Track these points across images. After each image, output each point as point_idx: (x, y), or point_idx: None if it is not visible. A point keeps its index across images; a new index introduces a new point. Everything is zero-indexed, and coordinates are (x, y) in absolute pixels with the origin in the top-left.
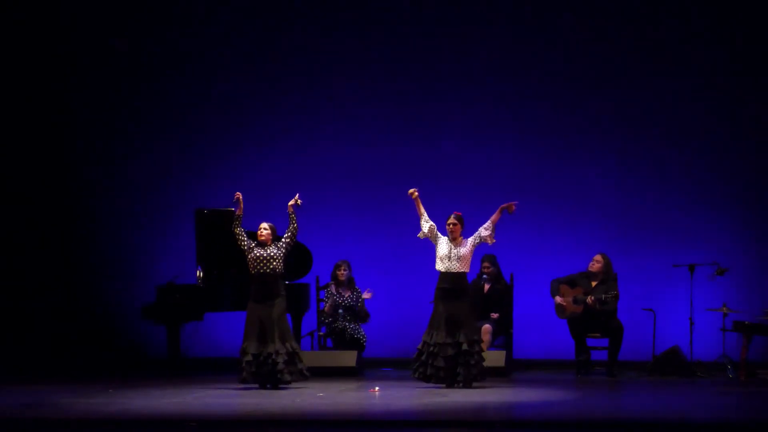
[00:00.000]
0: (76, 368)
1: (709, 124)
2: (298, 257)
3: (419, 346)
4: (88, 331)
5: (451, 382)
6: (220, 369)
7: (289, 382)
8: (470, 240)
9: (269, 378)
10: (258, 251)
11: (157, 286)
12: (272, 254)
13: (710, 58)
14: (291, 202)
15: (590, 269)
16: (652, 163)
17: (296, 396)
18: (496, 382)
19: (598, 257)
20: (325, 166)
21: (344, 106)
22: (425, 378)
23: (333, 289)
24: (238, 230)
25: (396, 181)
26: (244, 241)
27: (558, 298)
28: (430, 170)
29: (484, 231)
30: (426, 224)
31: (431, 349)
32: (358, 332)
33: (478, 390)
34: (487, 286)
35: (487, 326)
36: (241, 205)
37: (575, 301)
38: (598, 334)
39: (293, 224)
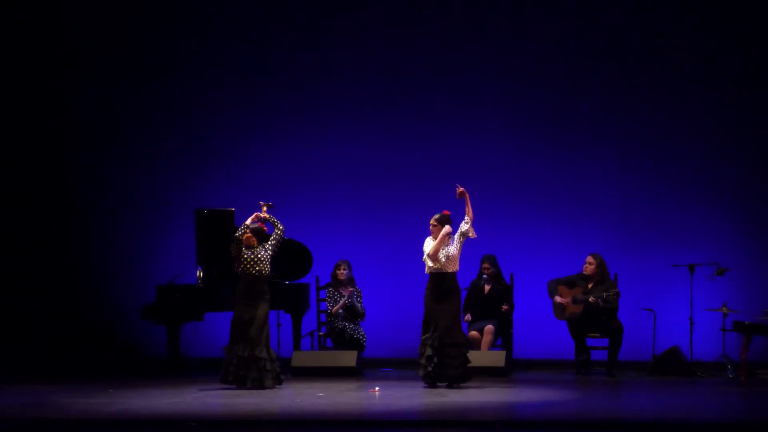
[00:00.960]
0: (76, 368)
1: (710, 124)
2: (298, 257)
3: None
4: (88, 331)
5: (432, 382)
6: (220, 369)
7: (270, 387)
8: (456, 237)
9: (246, 380)
10: (246, 253)
11: (157, 286)
12: (260, 257)
13: (710, 58)
14: (261, 215)
15: (585, 272)
16: (653, 163)
17: (296, 396)
18: (496, 382)
19: (590, 259)
20: (325, 167)
21: (345, 107)
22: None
23: (342, 291)
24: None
25: (396, 181)
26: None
27: (557, 298)
28: (430, 171)
29: (464, 225)
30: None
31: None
32: (358, 332)
33: (478, 390)
34: (487, 287)
35: (489, 327)
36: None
37: (574, 301)
38: (598, 334)
39: (277, 226)
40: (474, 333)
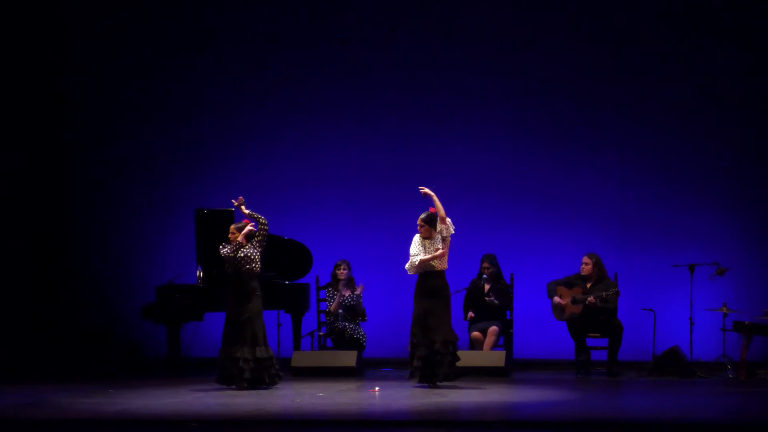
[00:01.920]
0: (76, 368)
1: (710, 123)
2: (298, 257)
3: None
4: (88, 331)
5: (431, 381)
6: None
7: (270, 385)
8: (438, 236)
9: (237, 380)
10: (228, 252)
11: (157, 286)
12: (248, 254)
13: (710, 58)
14: (237, 203)
15: (582, 272)
16: (652, 163)
17: (296, 396)
18: (496, 382)
19: (586, 259)
20: (325, 167)
21: (345, 107)
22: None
23: (342, 290)
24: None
25: (396, 181)
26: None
27: (556, 299)
28: (430, 171)
29: (439, 224)
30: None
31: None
32: (358, 332)
33: (478, 390)
34: (487, 286)
35: (494, 328)
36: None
37: (574, 301)
38: (598, 334)
39: (260, 220)
40: (476, 333)
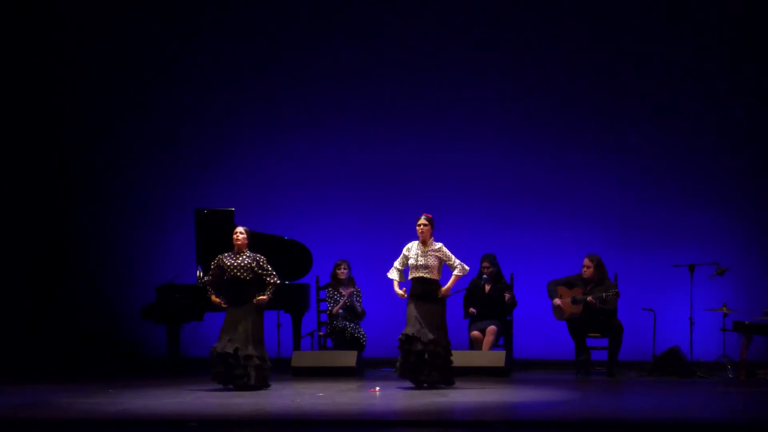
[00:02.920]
0: (76, 368)
1: (709, 123)
2: (298, 257)
3: (398, 346)
4: (88, 331)
5: (417, 382)
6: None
7: (254, 388)
8: (442, 254)
9: (233, 380)
10: (228, 260)
11: (157, 286)
12: (244, 264)
13: (711, 58)
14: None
15: (584, 275)
16: (653, 163)
17: (296, 396)
18: (496, 382)
19: (587, 262)
20: (325, 167)
21: (345, 108)
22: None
23: (342, 290)
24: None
25: (396, 181)
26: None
27: (556, 300)
28: (430, 171)
29: (457, 266)
30: (398, 276)
31: (409, 347)
32: (358, 332)
33: (478, 390)
34: (488, 287)
35: (492, 327)
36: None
37: (574, 301)
38: (598, 334)
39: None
40: (476, 333)
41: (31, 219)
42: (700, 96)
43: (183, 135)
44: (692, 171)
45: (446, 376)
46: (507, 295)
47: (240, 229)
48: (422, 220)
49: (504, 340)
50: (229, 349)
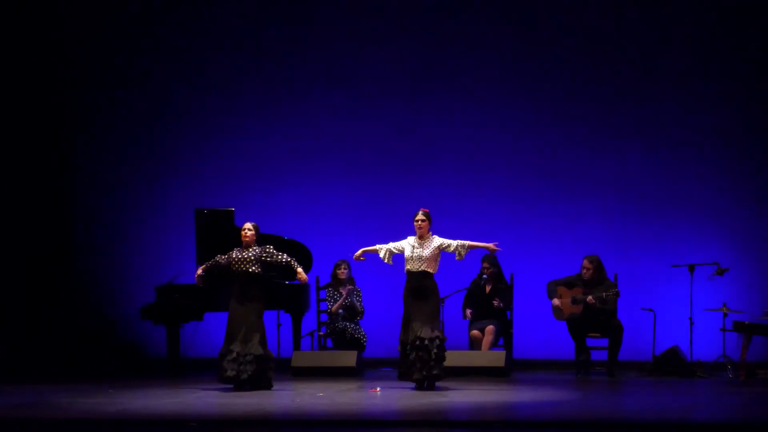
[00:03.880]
0: (76, 368)
1: (709, 123)
2: (298, 257)
3: (399, 347)
4: (88, 331)
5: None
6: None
7: (259, 387)
8: (438, 242)
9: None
10: (237, 254)
11: (157, 286)
12: (252, 257)
13: (711, 58)
14: None
15: (584, 276)
16: (652, 162)
17: (296, 396)
18: (496, 382)
19: (586, 264)
20: (325, 167)
21: (344, 107)
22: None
23: (343, 291)
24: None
25: (396, 181)
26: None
27: (555, 300)
28: (430, 171)
29: (459, 246)
30: (384, 251)
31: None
32: (359, 332)
33: (477, 390)
34: (488, 287)
35: (490, 327)
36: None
37: (574, 301)
38: (598, 334)
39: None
40: (475, 332)
41: (31, 219)
42: (700, 96)
43: (183, 135)
44: (692, 171)
45: (440, 371)
46: (496, 301)
47: (248, 225)
48: (420, 216)
49: (504, 340)
50: (237, 349)
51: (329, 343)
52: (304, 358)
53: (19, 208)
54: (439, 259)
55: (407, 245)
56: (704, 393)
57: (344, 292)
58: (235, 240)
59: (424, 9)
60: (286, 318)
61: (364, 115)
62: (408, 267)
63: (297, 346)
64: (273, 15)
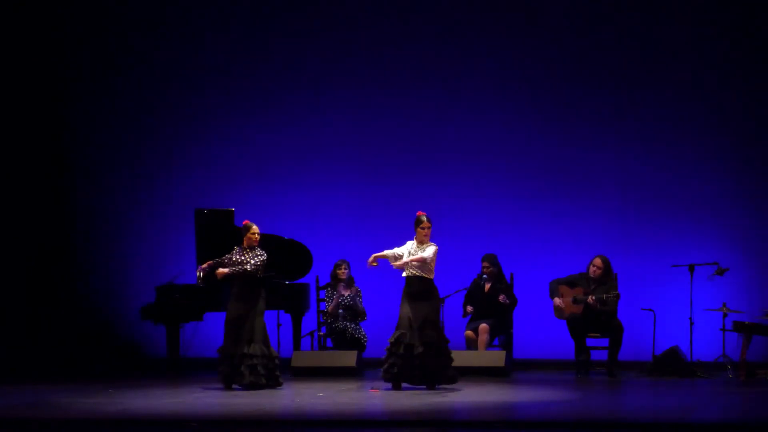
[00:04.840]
0: (76, 368)
1: (710, 123)
2: (297, 257)
3: (386, 348)
4: (88, 331)
5: (430, 383)
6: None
7: (264, 386)
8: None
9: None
10: (239, 257)
11: (157, 286)
12: (244, 260)
13: (711, 57)
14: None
15: (591, 275)
16: (653, 162)
17: (296, 396)
18: (496, 382)
19: (598, 263)
20: (325, 166)
21: (344, 108)
22: (393, 378)
23: (341, 290)
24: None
25: (396, 180)
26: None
27: (557, 300)
28: (430, 170)
29: (406, 259)
30: (391, 257)
31: (398, 350)
32: (359, 332)
33: (477, 390)
34: (487, 286)
35: (484, 326)
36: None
37: (575, 300)
38: (598, 334)
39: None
40: (469, 333)
41: (31, 219)
42: (700, 96)
43: (183, 135)
44: (692, 171)
45: (446, 374)
46: (501, 296)
47: (256, 229)
48: (428, 223)
49: (504, 340)
50: (242, 350)
51: (329, 343)
52: (304, 358)
53: (19, 208)
54: (433, 264)
55: (405, 251)
56: (704, 393)
57: (345, 293)
58: (235, 240)
59: (423, 9)
60: (286, 318)
61: (364, 115)
62: (406, 272)
63: (297, 346)
64: (275, 14)
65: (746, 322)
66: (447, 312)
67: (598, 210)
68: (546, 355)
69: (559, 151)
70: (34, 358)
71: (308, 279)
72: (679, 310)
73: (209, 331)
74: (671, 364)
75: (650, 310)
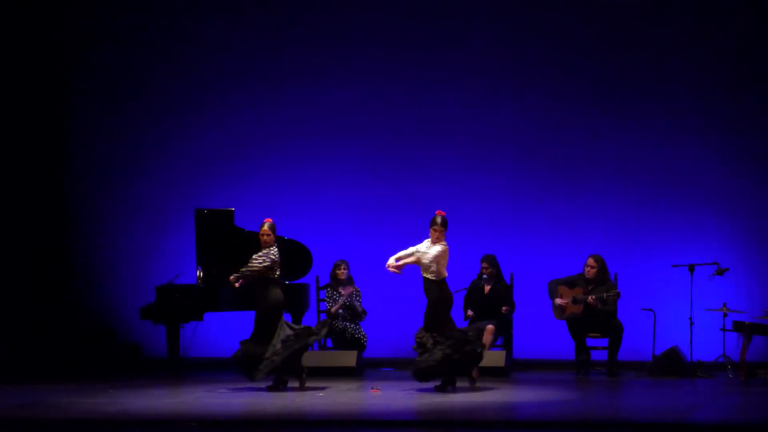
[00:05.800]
0: (76, 368)
1: (709, 123)
2: (298, 257)
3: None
4: (88, 331)
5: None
6: (220, 369)
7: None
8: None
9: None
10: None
11: (157, 286)
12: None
13: (712, 59)
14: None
15: (587, 275)
16: (652, 163)
17: (296, 396)
18: (496, 382)
19: (591, 262)
20: (325, 167)
21: (344, 107)
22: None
23: (341, 290)
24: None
25: (396, 180)
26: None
27: (557, 300)
28: (430, 170)
29: (412, 259)
30: (412, 256)
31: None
32: (359, 332)
33: (477, 390)
34: (487, 287)
35: (490, 326)
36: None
37: (574, 301)
38: (598, 334)
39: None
40: None
41: (31, 219)
42: (700, 96)
43: (183, 135)
44: (692, 171)
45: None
46: (505, 308)
47: (266, 228)
48: (440, 227)
49: (504, 340)
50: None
51: (329, 343)
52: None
53: (19, 208)
54: (439, 264)
55: (416, 249)
56: (704, 393)
57: (344, 293)
58: (235, 240)
59: (423, 10)
60: (286, 318)
61: (364, 115)
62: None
63: None
64: (273, 13)
65: (746, 322)
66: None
67: (598, 210)
68: (546, 355)
69: (559, 151)
70: (34, 358)
71: (308, 279)
72: (679, 310)
73: (209, 331)
74: (671, 364)
75: (650, 310)
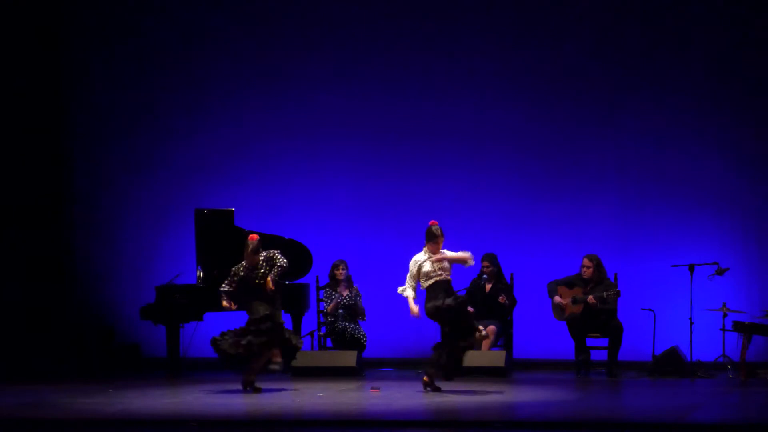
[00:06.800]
0: (76, 368)
1: (709, 123)
2: (298, 257)
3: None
4: (88, 331)
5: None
6: (220, 369)
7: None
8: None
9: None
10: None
11: (157, 286)
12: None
13: (711, 56)
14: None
15: (583, 275)
16: (652, 162)
17: (296, 396)
18: (496, 382)
19: (586, 262)
20: (325, 166)
21: (345, 108)
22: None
23: (341, 290)
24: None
25: (396, 180)
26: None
27: (557, 299)
28: (430, 170)
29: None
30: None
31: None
32: (359, 332)
33: (478, 390)
34: (488, 286)
35: (491, 327)
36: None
37: (574, 300)
38: (598, 334)
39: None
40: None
41: (31, 219)
42: (700, 96)
43: (183, 135)
44: (692, 171)
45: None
46: (502, 297)
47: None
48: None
49: (504, 340)
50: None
51: (329, 343)
52: (304, 358)
53: (19, 208)
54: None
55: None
56: (704, 393)
57: (343, 293)
58: (235, 240)
59: (423, 10)
60: (286, 318)
61: (364, 115)
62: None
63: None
64: (274, 13)
65: (746, 322)
66: None
67: (598, 210)
68: (546, 355)
69: (559, 151)
70: (34, 358)
71: (308, 279)
72: (679, 310)
73: (209, 331)
74: (671, 364)
75: (650, 310)
